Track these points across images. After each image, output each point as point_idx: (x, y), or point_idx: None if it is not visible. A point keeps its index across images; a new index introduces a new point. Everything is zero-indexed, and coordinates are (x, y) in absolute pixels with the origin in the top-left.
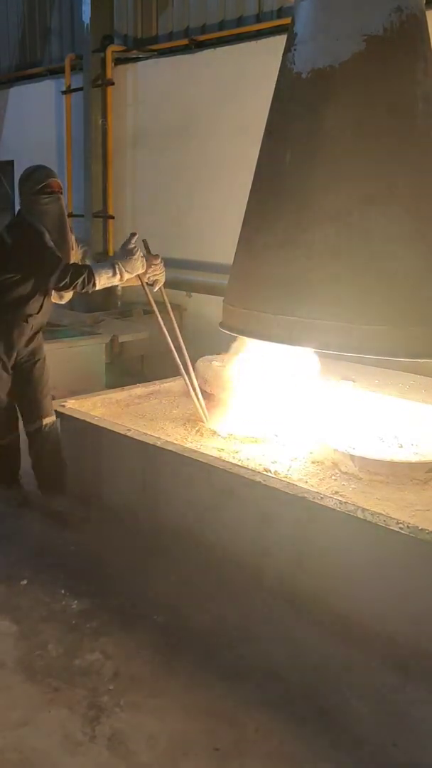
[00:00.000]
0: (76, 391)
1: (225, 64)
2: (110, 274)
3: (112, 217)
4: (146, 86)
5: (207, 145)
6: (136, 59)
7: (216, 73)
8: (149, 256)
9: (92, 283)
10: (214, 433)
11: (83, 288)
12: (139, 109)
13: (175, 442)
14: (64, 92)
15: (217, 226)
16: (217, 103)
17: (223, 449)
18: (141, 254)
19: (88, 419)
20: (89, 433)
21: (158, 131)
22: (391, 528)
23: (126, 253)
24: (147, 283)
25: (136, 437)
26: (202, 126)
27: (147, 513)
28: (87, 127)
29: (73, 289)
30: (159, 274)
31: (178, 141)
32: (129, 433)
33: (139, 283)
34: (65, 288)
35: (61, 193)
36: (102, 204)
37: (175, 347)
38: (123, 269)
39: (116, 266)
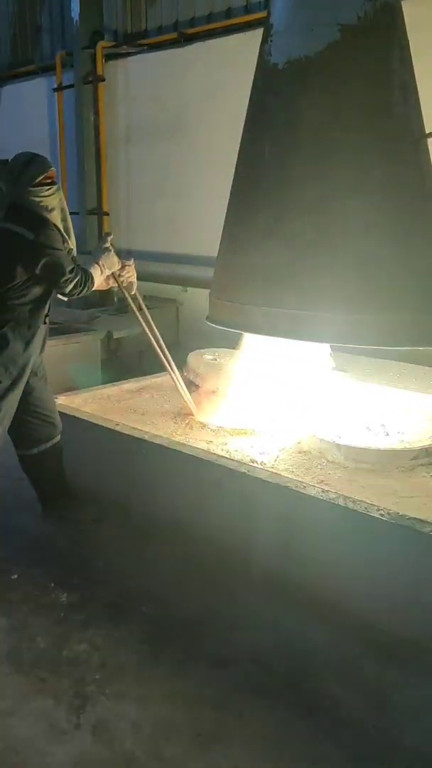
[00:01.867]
0: (71, 387)
1: (215, 57)
2: (98, 273)
3: (107, 214)
4: (137, 82)
5: (199, 138)
6: (126, 54)
7: (206, 66)
8: (122, 258)
9: (90, 285)
10: (204, 426)
11: (84, 291)
12: (130, 105)
13: (164, 435)
14: (55, 90)
15: (211, 219)
16: (209, 96)
17: (211, 441)
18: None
19: (77, 415)
20: (79, 429)
21: (150, 127)
22: (372, 515)
23: (103, 251)
24: (123, 285)
25: (124, 432)
26: (194, 120)
27: (137, 506)
28: (79, 124)
29: (78, 293)
30: (132, 275)
31: (170, 136)
32: (117, 428)
33: (115, 285)
34: (77, 293)
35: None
36: (96, 201)
37: (156, 344)
38: (104, 266)
39: (98, 264)
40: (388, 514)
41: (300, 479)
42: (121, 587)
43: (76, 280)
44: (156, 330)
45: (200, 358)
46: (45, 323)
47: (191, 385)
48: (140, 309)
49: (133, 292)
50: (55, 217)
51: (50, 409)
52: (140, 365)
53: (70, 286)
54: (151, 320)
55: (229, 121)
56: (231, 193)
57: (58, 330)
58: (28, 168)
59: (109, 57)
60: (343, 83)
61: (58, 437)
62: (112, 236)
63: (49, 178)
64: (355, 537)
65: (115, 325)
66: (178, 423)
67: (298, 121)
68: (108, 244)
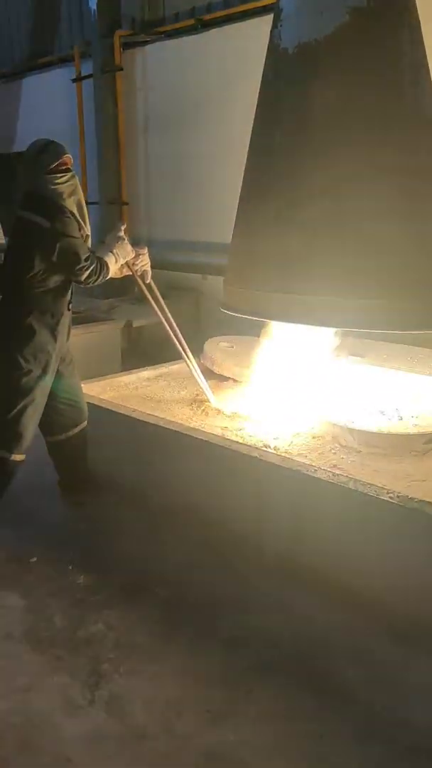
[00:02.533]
0: (91, 377)
1: (232, 43)
2: (113, 261)
3: (126, 204)
4: (155, 70)
5: (218, 125)
6: (144, 43)
7: (224, 52)
8: (136, 247)
9: (105, 273)
10: (219, 412)
11: (99, 280)
12: (149, 93)
13: (179, 422)
14: (74, 80)
15: (230, 206)
16: (227, 82)
17: (226, 427)
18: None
19: (95, 402)
20: (96, 416)
21: (169, 115)
22: (382, 498)
23: (116, 239)
24: (137, 274)
25: (140, 418)
26: (213, 107)
27: (154, 491)
28: (98, 114)
29: (94, 282)
30: (146, 264)
31: (189, 123)
32: (133, 415)
33: (130, 273)
34: (92, 282)
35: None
36: (116, 191)
37: (171, 332)
38: (118, 255)
39: (113, 252)
40: (398, 497)
41: (311, 464)
42: (137, 570)
43: (92, 268)
44: (171, 318)
45: (216, 345)
46: (69, 310)
47: (208, 372)
48: (155, 298)
49: (147, 281)
50: (71, 204)
51: (78, 394)
52: (161, 353)
53: (86, 274)
54: (166, 308)
55: (248, 107)
56: (243, 180)
57: (77, 319)
58: (42, 155)
59: (126, 46)
60: (352, 66)
61: (85, 423)
62: (125, 225)
63: (63, 164)
64: (366, 520)
65: (135, 314)
66: (194, 409)
67: (308, 106)
68: (121, 233)
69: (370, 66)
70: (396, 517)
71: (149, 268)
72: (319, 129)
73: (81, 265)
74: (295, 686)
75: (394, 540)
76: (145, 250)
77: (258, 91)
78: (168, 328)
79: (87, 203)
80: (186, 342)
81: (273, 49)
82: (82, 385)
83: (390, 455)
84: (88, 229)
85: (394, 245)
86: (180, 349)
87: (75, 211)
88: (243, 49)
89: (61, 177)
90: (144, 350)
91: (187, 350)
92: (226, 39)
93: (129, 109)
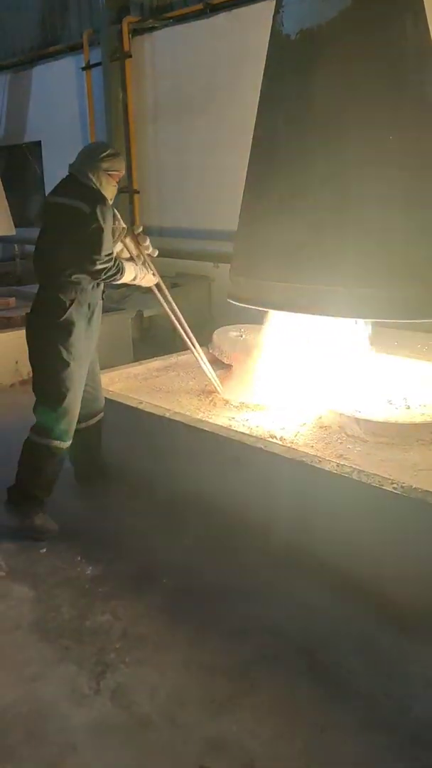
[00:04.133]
0: (103, 366)
1: (241, 26)
2: (130, 275)
3: (137, 192)
4: (164, 57)
5: (229, 110)
6: (153, 29)
7: (233, 36)
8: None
9: (118, 278)
10: (227, 402)
11: (108, 281)
12: (158, 80)
13: (186, 413)
14: (84, 68)
15: (240, 193)
16: (237, 66)
17: (233, 418)
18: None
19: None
20: (106, 407)
21: (178, 101)
22: (385, 488)
23: (141, 268)
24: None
25: (147, 409)
26: (223, 91)
27: (162, 481)
28: (108, 102)
29: (102, 280)
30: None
31: (199, 109)
32: (141, 406)
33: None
34: (102, 277)
35: None
36: (127, 179)
37: (177, 323)
38: (137, 276)
39: (135, 270)
40: (402, 487)
41: (316, 454)
42: (144, 560)
43: (107, 266)
44: (177, 310)
45: (225, 335)
46: (102, 300)
47: (216, 362)
48: (161, 290)
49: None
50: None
51: (98, 383)
52: (173, 342)
53: (98, 267)
54: (172, 301)
55: (258, 92)
56: (248, 168)
57: None
58: (113, 158)
59: (135, 32)
60: (356, 52)
61: (102, 413)
62: (148, 242)
63: (118, 179)
64: (370, 511)
65: (146, 304)
66: (202, 400)
67: (311, 93)
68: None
69: (374, 52)
70: (400, 507)
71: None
72: (322, 116)
73: (97, 257)
74: (298, 677)
75: (399, 530)
76: (147, 241)
77: None
78: (174, 320)
79: None
80: (197, 330)
81: (275, 35)
82: None
83: (397, 445)
84: (122, 221)
85: (398, 233)
86: (186, 340)
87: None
88: (252, 33)
89: (114, 186)
90: (155, 339)
91: (194, 341)
92: (234, 22)
93: (139, 96)
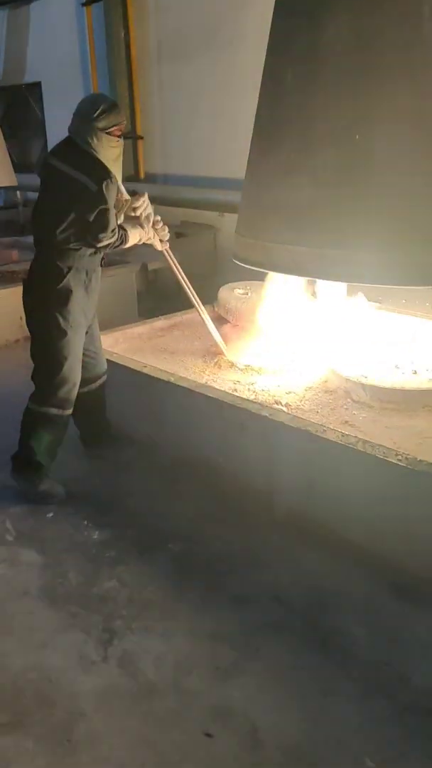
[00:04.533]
0: (108, 322)
1: None
2: (135, 239)
3: (141, 138)
4: None
5: (235, 51)
6: None
7: None
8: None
9: (121, 245)
10: (233, 365)
11: (110, 249)
12: (161, 17)
13: (190, 377)
14: (84, 4)
15: (248, 139)
16: (246, 3)
17: (239, 381)
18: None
19: (107, 357)
20: (110, 370)
21: (184, 41)
22: (389, 460)
23: (148, 220)
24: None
25: (151, 374)
26: (231, 31)
27: (167, 446)
28: (110, 41)
29: (105, 247)
30: (166, 233)
31: (205, 50)
32: (145, 370)
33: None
34: (104, 249)
35: None
36: (130, 124)
37: (184, 283)
38: (142, 236)
39: (138, 233)
40: (407, 459)
41: (321, 423)
42: (150, 526)
43: (111, 240)
44: (182, 271)
45: (231, 293)
46: (101, 266)
47: (222, 320)
48: (167, 250)
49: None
50: (116, 169)
51: (99, 347)
52: (179, 295)
53: (103, 243)
54: (176, 261)
55: (266, 28)
56: (254, 124)
57: None
58: (108, 113)
59: None
60: (369, 3)
61: (105, 376)
62: (145, 197)
63: (119, 130)
64: (374, 480)
65: (151, 257)
66: (207, 362)
67: (320, 45)
68: (142, 211)
69: (389, 2)
70: (404, 478)
71: (152, 211)
72: (332, 71)
73: (104, 234)
74: (301, 644)
75: (403, 501)
76: (145, 196)
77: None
78: (181, 280)
79: None
80: (202, 281)
81: None
82: None
83: (403, 411)
84: (125, 194)
85: (410, 195)
86: (194, 301)
87: (119, 176)
88: None
89: (116, 141)
90: (160, 292)
91: (200, 302)
92: None
93: (142, 35)
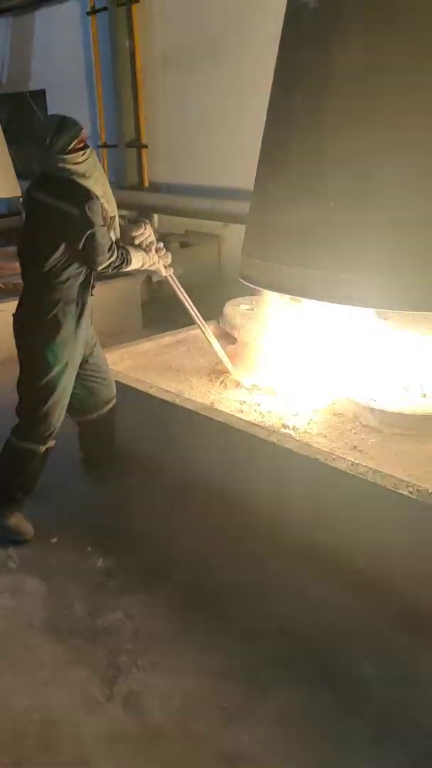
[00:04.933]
0: (112, 332)
1: None
2: (138, 263)
3: (146, 146)
4: (173, 1)
5: (240, 60)
6: None
7: None
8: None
9: (124, 266)
10: (239, 384)
11: (114, 271)
12: (166, 27)
13: (196, 396)
14: (89, 13)
15: (254, 149)
16: (250, 13)
17: (245, 402)
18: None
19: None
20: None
21: (188, 50)
22: (401, 492)
23: (152, 246)
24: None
25: (157, 395)
26: (235, 40)
27: (173, 468)
28: (114, 49)
29: (109, 269)
30: (168, 259)
31: (209, 59)
32: (151, 391)
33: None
34: (108, 270)
35: None
36: (134, 132)
37: (188, 305)
38: (145, 261)
39: (142, 257)
40: (418, 491)
41: (329, 450)
42: (156, 552)
43: (112, 260)
44: (187, 296)
45: (237, 309)
46: (92, 295)
47: (227, 337)
48: (172, 277)
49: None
50: (94, 184)
51: (106, 371)
52: (181, 306)
53: (105, 265)
54: (180, 286)
55: (271, 38)
56: (262, 144)
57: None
58: (60, 134)
59: None
60: (381, 22)
61: (114, 400)
62: (146, 227)
63: (81, 142)
64: (384, 511)
65: None
66: (213, 381)
67: (330, 67)
68: (153, 239)
69: (398, 21)
70: (415, 510)
71: (169, 261)
72: (343, 93)
73: (103, 257)
74: (311, 683)
75: (413, 532)
76: (147, 226)
77: (281, 19)
78: (186, 304)
79: (105, 146)
80: (206, 292)
81: (292, 2)
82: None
83: (413, 436)
84: (113, 209)
85: (420, 221)
86: (199, 323)
87: (99, 191)
88: None
89: (82, 155)
90: (164, 303)
91: (205, 325)
92: None
93: (146, 43)
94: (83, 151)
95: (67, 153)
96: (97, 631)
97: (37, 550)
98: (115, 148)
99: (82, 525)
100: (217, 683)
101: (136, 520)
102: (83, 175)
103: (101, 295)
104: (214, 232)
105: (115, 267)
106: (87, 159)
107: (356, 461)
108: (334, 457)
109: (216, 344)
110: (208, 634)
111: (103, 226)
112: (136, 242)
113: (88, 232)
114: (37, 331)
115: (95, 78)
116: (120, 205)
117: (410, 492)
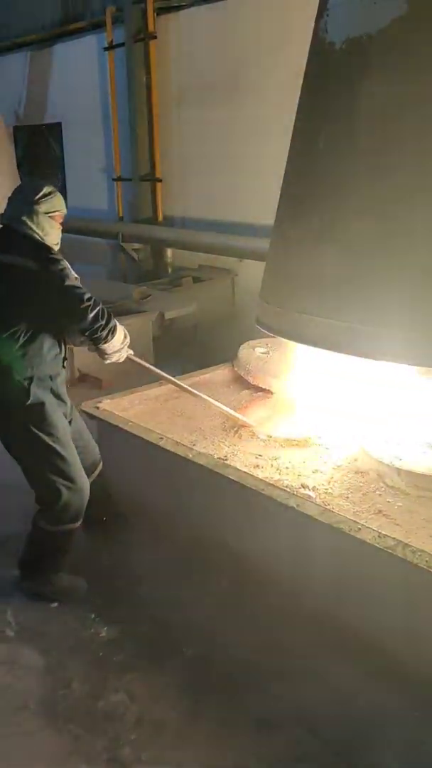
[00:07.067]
0: (122, 371)
1: (272, 5)
2: (121, 338)
3: (160, 180)
4: (190, 37)
5: (257, 96)
6: (178, 8)
7: (263, 16)
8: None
9: (111, 324)
10: (254, 435)
11: (105, 332)
12: (183, 62)
13: (209, 448)
14: (106, 48)
15: (269, 185)
16: (267, 49)
17: (260, 455)
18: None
19: (121, 425)
20: (123, 440)
21: (204, 85)
22: None
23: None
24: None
25: (168, 448)
26: (252, 76)
27: (184, 525)
28: (131, 85)
29: (99, 331)
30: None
31: (225, 95)
32: (162, 443)
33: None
34: (98, 329)
35: None
36: (149, 167)
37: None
38: (125, 344)
39: (125, 333)
40: None
41: (354, 517)
42: (163, 621)
43: (96, 310)
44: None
45: (252, 352)
46: (64, 368)
47: (242, 381)
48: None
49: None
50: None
51: (86, 436)
52: (194, 339)
53: (90, 315)
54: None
55: (289, 76)
56: (282, 189)
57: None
58: (49, 197)
59: (160, 11)
60: (408, 67)
61: (101, 465)
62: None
63: (61, 217)
64: (413, 589)
65: (167, 304)
66: (227, 430)
67: (356, 111)
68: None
69: (425, 64)
70: None
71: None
72: (368, 137)
73: (85, 305)
74: None
75: None
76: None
77: (301, 61)
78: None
79: (120, 180)
80: (219, 329)
81: (317, 43)
82: (109, 399)
83: None
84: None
85: None
86: (199, 396)
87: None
88: (283, 13)
89: (59, 229)
90: (176, 338)
91: (202, 395)
92: (266, 3)
93: (163, 79)
94: (60, 227)
95: (49, 215)
96: (97, 715)
97: (37, 615)
98: (130, 182)
99: (87, 589)
100: None
101: (143, 582)
102: (51, 243)
103: None
104: (227, 267)
105: (103, 321)
106: (59, 236)
107: (383, 532)
108: (359, 527)
109: (217, 403)
110: (218, 724)
111: (71, 279)
112: (105, 361)
113: (59, 286)
114: (22, 418)
115: (111, 112)
116: (134, 239)
117: None
